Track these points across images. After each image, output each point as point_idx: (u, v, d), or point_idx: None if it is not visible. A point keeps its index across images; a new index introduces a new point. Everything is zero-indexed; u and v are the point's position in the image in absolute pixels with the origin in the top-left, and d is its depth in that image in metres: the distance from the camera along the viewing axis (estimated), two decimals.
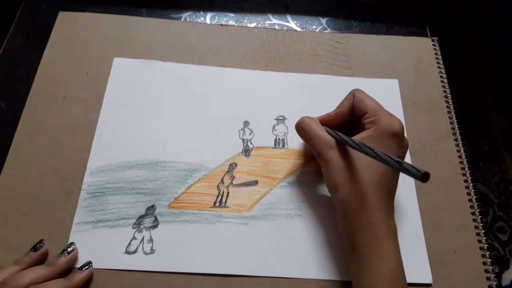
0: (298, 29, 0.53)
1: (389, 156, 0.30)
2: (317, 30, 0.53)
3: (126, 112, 0.45)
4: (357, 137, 0.36)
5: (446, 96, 0.48)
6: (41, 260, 0.37)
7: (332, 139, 0.37)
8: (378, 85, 0.48)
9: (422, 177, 0.27)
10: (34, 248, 0.36)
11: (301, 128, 0.40)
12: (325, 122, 0.40)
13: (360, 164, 0.35)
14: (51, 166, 0.41)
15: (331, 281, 0.38)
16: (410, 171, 0.28)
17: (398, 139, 0.36)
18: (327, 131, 0.38)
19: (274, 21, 0.53)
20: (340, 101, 0.41)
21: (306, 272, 0.38)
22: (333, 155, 0.36)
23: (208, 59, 0.49)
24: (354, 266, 0.34)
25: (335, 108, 0.41)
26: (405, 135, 0.45)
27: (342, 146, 0.36)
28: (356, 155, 0.35)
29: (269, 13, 0.54)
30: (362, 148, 0.33)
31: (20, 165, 0.41)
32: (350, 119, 0.40)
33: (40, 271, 0.34)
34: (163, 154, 0.43)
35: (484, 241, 0.40)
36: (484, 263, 0.39)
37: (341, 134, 0.36)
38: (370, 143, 0.34)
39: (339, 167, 0.35)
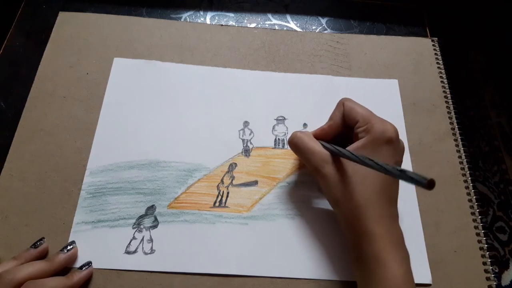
0: (298, 29, 0.53)
1: (392, 167, 0.30)
2: (317, 30, 0.53)
3: (126, 112, 0.45)
4: (352, 147, 0.35)
5: (446, 96, 0.48)
6: (41, 257, 0.37)
7: (327, 153, 0.36)
8: (378, 85, 0.48)
9: (427, 185, 0.26)
10: (34, 245, 0.37)
11: (294, 143, 0.39)
12: (320, 136, 0.39)
13: (359, 175, 0.34)
14: (51, 166, 0.41)
15: (331, 281, 0.38)
16: (415, 180, 0.27)
17: (393, 144, 0.35)
18: (323, 146, 0.37)
19: (274, 21, 0.53)
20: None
21: (306, 272, 0.38)
22: (330, 169, 0.35)
23: (208, 59, 0.49)
24: (360, 276, 0.34)
25: (328, 117, 0.40)
26: (405, 135, 0.45)
27: (338, 159, 0.36)
28: (353, 166, 0.35)
29: (269, 13, 0.54)
30: (363, 160, 0.32)
31: (20, 165, 0.41)
32: (343, 130, 0.39)
33: (38, 266, 0.34)
34: (163, 154, 0.43)
35: (484, 241, 0.40)
36: (484, 263, 0.39)
37: (340, 148, 0.35)
38: (366, 152, 0.34)
39: (337, 181, 0.35)
